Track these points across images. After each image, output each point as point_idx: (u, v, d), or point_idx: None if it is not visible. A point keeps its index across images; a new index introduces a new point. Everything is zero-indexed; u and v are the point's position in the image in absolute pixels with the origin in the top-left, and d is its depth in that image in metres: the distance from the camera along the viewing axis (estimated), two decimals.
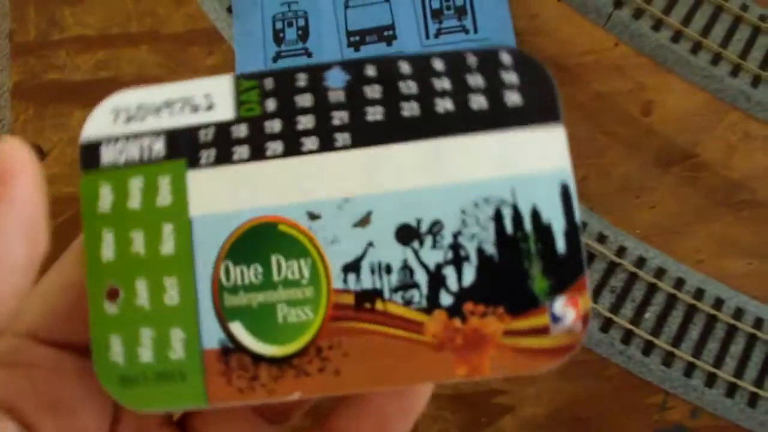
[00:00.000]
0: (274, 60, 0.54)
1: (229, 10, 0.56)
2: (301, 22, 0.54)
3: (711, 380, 0.50)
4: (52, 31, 0.58)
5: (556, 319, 0.22)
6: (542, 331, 0.22)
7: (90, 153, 0.23)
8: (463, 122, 0.23)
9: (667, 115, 0.54)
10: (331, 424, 0.23)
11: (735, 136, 0.54)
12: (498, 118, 0.23)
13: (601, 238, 0.52)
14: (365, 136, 0.23)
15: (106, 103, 0.24)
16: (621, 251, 0.52)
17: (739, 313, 0.51)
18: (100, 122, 0.24)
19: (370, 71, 0.24)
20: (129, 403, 0.22)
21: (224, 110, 0.23)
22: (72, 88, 0.57)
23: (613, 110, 0.54)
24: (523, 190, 0.22)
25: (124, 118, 0.24)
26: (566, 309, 0.22)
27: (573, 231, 0.22)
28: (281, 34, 0.54)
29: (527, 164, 0.22)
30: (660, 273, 0.52)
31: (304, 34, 0.54)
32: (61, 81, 0.58)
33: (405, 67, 0.23)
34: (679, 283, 0.52)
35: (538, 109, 0.23)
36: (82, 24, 0.58)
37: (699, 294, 0.51)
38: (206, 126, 0.23)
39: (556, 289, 0.22)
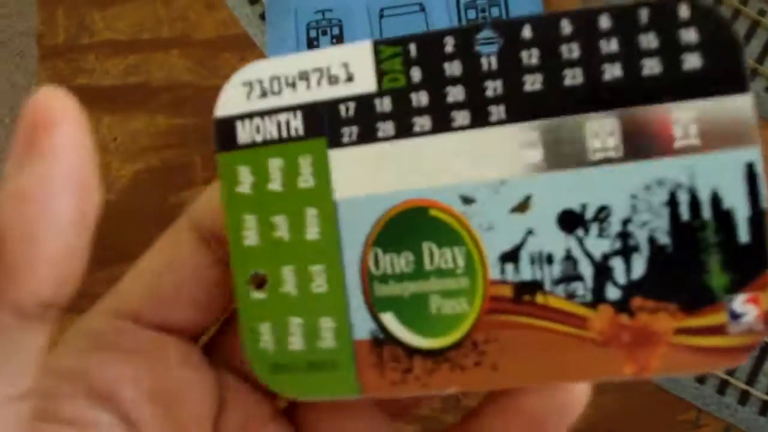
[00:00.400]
0: None
1: (262, 16, 0.56)
2: (336, 31, 0.54)
3: (744, 398, 0.50)
4: (81, 35, 0.58)
5: (735, 317, 0.20)
6: (719, 330, 0.20)
7: (225, 131, 0.22)
8: (635, 92, 0.20)
9: None
10: (477, 424, 0.21)
11: None
12: (675, 86, 0.20)
13: None
14: (523, 109, 0.21)
15: (237, 76, 0.23)
16: None
17: None
18: (233, 98, 0.22)
19: (527, 33, 0.21)
20: (282, 390, 0.22)
21: (365, 81, 0.22)
22: (101, 93, 0.57)
23: None
24: (702, 171, 0.20)
25: (258, 92, 0.22)
26: (747, 307, 0.20)
27: (758, 219, 0.20)
28: (315, 42, 0.54)
29: (708, 143, 0.20)
30: None
31: (338, 43, 0.54)
32: (90, 86, 0.57)
33: (566, 27, 0.21)
34: None
35: (722, 75, 0.20)
36: (112, 28, 0.58)
37: None
38: (346, 100, 0.22)
39: (736, 284, 0.20)
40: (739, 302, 0.20)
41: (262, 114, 0.22)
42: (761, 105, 0.54)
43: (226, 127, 0.22)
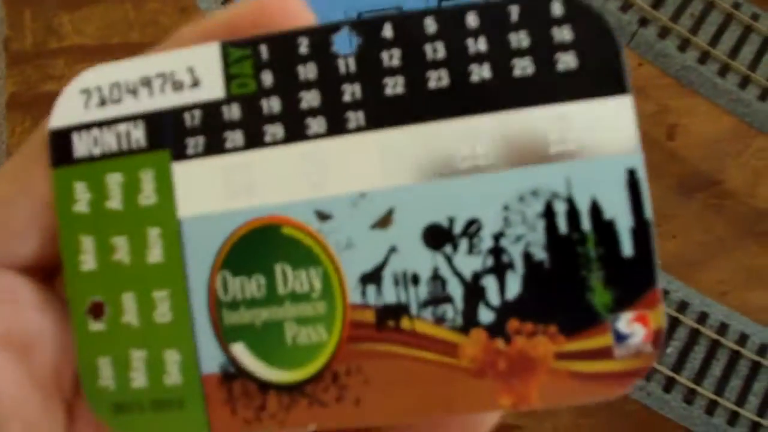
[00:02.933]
0: None
1: None
2: None
3: (733, 419, 0.48)
4: (49, 39, 0.56)
5: (620, 338, 0.18)
6: (604, 353, 0.18)
7: (60, 144, 0.20)
8: (505, 95, 0.19)
9: (692, 139, 0.52)
10: None
11: (762, 163, 0.52)
12: (549, 88, 0.18)
13: None
14: (384, 114, 0.19)
15: (75, 83, 0.20)
16: None
17: (763, 349, 0.49)
18: (69, 107, 0.20)
19: (387, 32, 0.19)
20: None
21: (212, 87, 0.20)
22: None
23: None
24: (580, 179, 0.18)
25: (97, 100, 0.20)
26: (634, 327, 0.18)
27: (643, 230, 0.18)
28: None
29: (586, 148, 0.18)
30: (683, 306, 0.50)
31: None
32: (59, 92, 0.55)
33: (431, 26, 0.19)
34: (703, 317, 0.50)
35: (600, 77, 0.18)
36: (81, 32, 0.55)
37: (723, 329, 0.50)
38: (192, 107, 0.20)
39: (621, 302, 0.18)
40: (625, 322, 0.18)
41: (101, 124, 0.20)
42: (754, 114, 0.52)
43: (62, 139, 0.20)
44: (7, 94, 0.55)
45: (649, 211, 0.17)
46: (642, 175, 0.17)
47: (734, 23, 0.53)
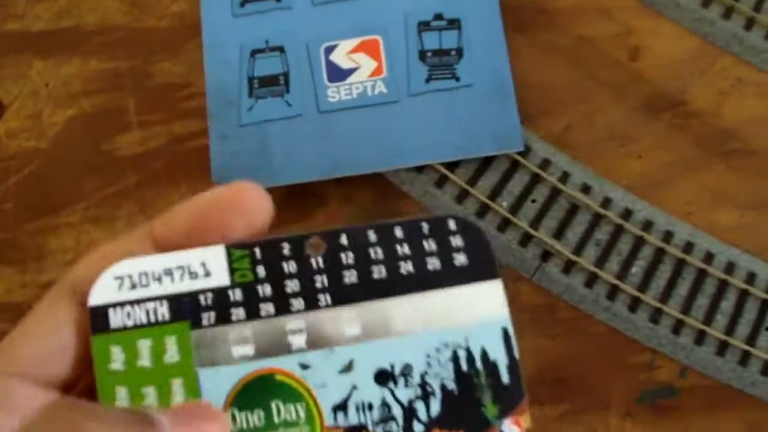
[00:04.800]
0: (242, 5, 0.52)
1: None
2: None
3: (700, 338, 0.47)
4: None
5: None
6: None
7: (99, 317, 0.26)
8: (423, 282, 0.28)
9: (656, 59, 0.52)
10: None
11: (727, 82, 0.51)
12: (450, 276, 0.28)
13: (586, 189, 0.49)
14: (344, 296, 0.28)
15: (109, 272, 0.26)
16: (606, 203, 0.49)
17: (730, 268, 0.48)
18: (105, 289, 0.26)
19: (344, 240, 0.28)
20: None
21: (220, 277, 0.27)
22: (32, 38, 0.55)
23: (599, 55, 0.52)
24: (473, 335, 0.28)
25: (129, 285, 0.27)
26: (512, 427, 0.28)
27: (514, 365, 0.28)
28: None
29: (475, 316, 0.28)
30: (647, 226, 0.49)
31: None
32: (21, 31, 0.55)
33: (372, 236, 0.28)
34: (668, 236, 0.49)
35: (481, 268, 0.28)
36: None
37: (688, 248, 0.49)
38: (205, 291, 0.27)
39: (503, 412, 0.27)
40: (507, 424, 0.27)
41: (132, 303, 0.26)
42: (718, 33, 0.51)
43: (100, 313, 0.26)
44: None
45: (516, 353, 0.27)
46: (511, 331, 0.27)
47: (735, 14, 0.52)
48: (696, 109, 0.51)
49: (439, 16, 0.50)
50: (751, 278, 0.48)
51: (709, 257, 0.49)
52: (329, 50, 0.50)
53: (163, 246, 0.27)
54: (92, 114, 0.52)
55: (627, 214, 0.49)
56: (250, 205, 0.27)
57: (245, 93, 0.49)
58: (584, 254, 0.48)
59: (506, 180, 0.49)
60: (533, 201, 0.49)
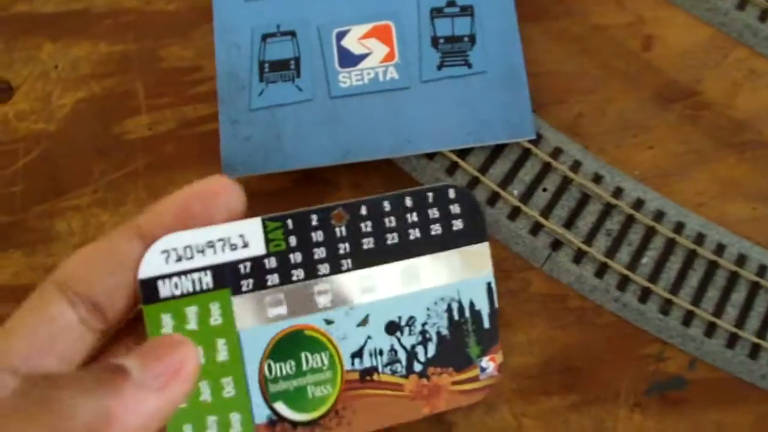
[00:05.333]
0: None
1: None
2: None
3: (710, 330, 0.47)
4: None
5: (482, 370, 0.34)
6: (474, 379, 0.34)
7: (149, 289, 0.29)
8: (427, 245, 0.33)
9: (668, 50, 0.51)
10: None
11: (740, 73, 0.51)
12: (449, 240, 0.34)
13: (597, 179, 0.49)
14: (362, 260, 0.33)
15: (156, 246, 0.29)
16: (618, 192, 0.49)
17: (741, 260, 0.48)
18: (153, 262, 0.29)
19: (363, 210, 0.33)
20: None
21: (257, 247, 0.31)
22: (42, 20, 0.54)
23: (611, 44, 0.51)
24: (464, 290, 0.34)
25: (175, 257, 0.29)
26: (489, 363, 0.34)
27: (494, 314, 0.34)
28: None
29: (467, 273, 0.34)
30: (659, 216, 0.49)
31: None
32: (31, 13, 0.55)
33: (386, 206, 0.33)
34: (679, 227, 0.49)
35: (474, 232, 0.34)
36: None
37: (700, 239, 0.48)
38: (244, 261, 0.31)
39: (483, 351, 0.34)
40: (485, 361, 0.34)
41: (179, 274, 0.30)
42: (732, 24, 0.51)
43: (149, 285, 0.29)
44: None
45: (496, 303, 0.34)
46: (494, 285, 0.34)
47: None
48: (708, 100, 0.51)
49: (452, 3, 0.50)
50: (762, 271, 0.48)
51: (720, 249, 0.48)
52: (341, 35, 0.49)
53: (150, 240, 0.28)
54: (101, 97, 0.52)
55: (638, 204, 0.49)
56: (229, 194, 0.28)
57: (256, 77, 0.49)
58: (595, 244, 0.48)
59: (517, 168, 0.49)
60: (544, 190, 0.49)
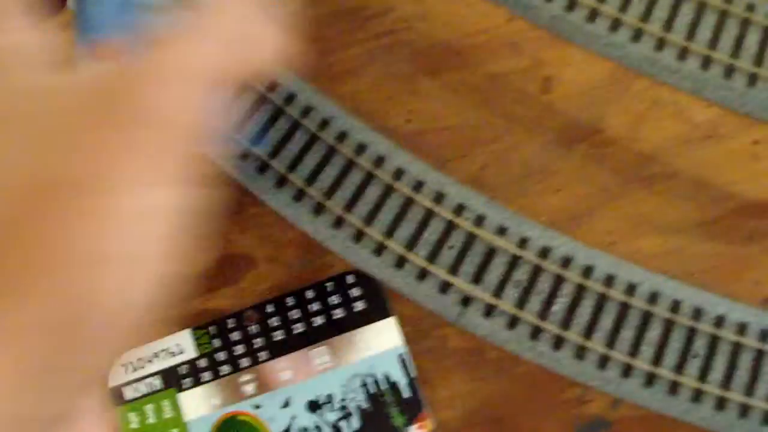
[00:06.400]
0: None
1: None
2: None
3: (628, 370, 0.48)
4: None
5: None
6: None
7: (117, 395, 0.37)
8: (330, 329, 0.39)
9: (569, 89, 0.51)
10: None
11: (643, 105, 0.50)
12: (353, 321, 0.39)
13: (501, 231, 0.50)
14: (277, 350, 0.39)
15: (117, 362, 0.37)
16: (523, 242, 0.49)
17: (654, 297, 0.48)
18: (116, 374, 0.37)
19: (270, 309, 0.40)
20: None
21: (190, 351, 0.39)
22: None
23: (510, 91, 0.51)
24: (377, 365, 0.39)
25: (131, 368, 0.38)
26: (418, 431, 0.39)
27: (412, 382, 0.39)
28: None
29: (376, 348, 0.38)
30: (567, 262, 0.49)
31: None
32: None
33: (290, 301, 0.40)
34: (588, 271, 0.49)
35: (376, 310, 0.40)
36: None
37: (609, 281, 0.49)
38: (182, 364, 0.39)
39: (409, 420, 0.39)
40: (413, 430, 0.39)
41: (137, 380, 0.39)
42: (630, 57, 0.50)
43: (117, 391, 0.38)
44: None
45: (413, 372, 0.40)
46: (406, 356, 0.41)
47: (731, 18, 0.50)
48: (612, 136, 0.50)
49: None
50: (676, 306, 0.48)
51: (631, 289, 0.48)
52: None
53: None
54: None
55: (545, 252, 0.49)
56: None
57: None
58: (504, 296, 0.49)
59: (422, 229, 0.49)
60: (450, 248, 0.49)
